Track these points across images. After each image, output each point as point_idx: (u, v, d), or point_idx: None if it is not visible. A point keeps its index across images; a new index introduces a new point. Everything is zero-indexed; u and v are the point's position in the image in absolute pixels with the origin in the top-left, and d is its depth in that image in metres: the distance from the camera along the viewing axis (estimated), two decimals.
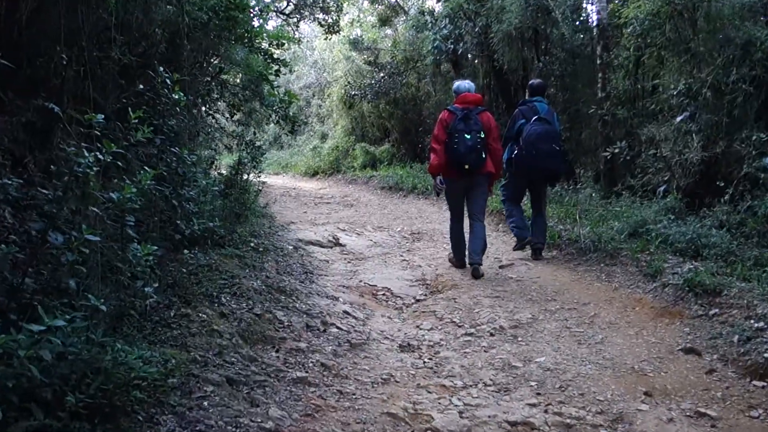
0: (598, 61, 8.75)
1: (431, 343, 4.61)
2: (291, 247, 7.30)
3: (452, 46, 12.08)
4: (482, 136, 6.04)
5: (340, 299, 5.50)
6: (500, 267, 6.49)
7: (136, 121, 3.72)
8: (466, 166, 6.02)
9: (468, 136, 5.98)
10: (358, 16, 17.72)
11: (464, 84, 6.50)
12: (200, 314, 4.18)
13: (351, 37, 16.63)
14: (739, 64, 6.90)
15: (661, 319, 4.67)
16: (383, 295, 5.91)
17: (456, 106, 6.26)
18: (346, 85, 17.04)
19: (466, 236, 6.51)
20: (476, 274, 6.11)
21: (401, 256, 7.52)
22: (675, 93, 7.19)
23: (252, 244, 6.71)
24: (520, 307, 5.21)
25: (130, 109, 3.76)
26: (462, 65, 13.66)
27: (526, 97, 7.01)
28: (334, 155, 18.05)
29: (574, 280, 5.86)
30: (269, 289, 5.16)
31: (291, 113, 6.68)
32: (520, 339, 4.56)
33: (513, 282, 5.91)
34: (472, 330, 4.78)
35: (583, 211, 7.67)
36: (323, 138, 20.37)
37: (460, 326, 4.91)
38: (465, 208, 6.54)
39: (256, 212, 8.99)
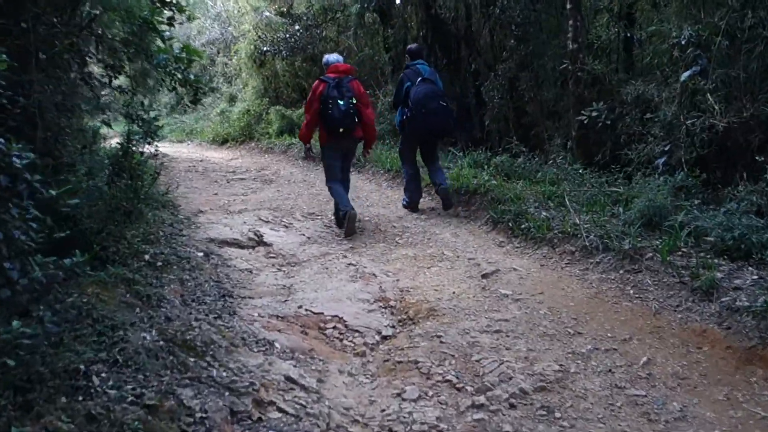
0: (569, 5, 7.23)
1: (426, 428, 3.02)
2: (201, 254, 5.53)
3: None
4: (354, 101, 6.44)
5: (277, 345, 3.82)
6: (483, 276, 4.94)
7: None
8: (341, 129, 6.39)
9: (341, 102, 6.36)
10: None
11: (333, 56, 6.92)
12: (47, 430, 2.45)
13: None
14: (756, 5, 5.56)
15: (751, 370, 3.24)
16: (335, 329, 4.25)
17: (329, 75, 6.57)
18: (255, 41, 14.90)
19: None
20: (352, 218, 6.48)
21: (345, 256, 5.85)
22: (679, 42, 5.75)
23: (147, 257, 4.94)
24: (536, 348, 3.68)
25: None
26: (391, 15, 11.89)
27: (407, 62, 7.45)
28: (245, 120, 15.92)
29: (592, 297, 4.38)
30: (170, 346, 3.40)
31: (192, 76, 4.83)
32: (557, 414, 3.03)
33: (510, 303, 4.37)
34: (481, 398, 3.21)
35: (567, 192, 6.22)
36: (232, 101, 18.14)
37: (459, 389, 3.33)
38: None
39: (154, 201, 7.12)
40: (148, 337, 3.44)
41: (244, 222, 6.90)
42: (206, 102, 19.44)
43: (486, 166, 7.95)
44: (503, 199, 6.52)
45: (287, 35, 13.86)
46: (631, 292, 4.33)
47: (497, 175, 7.56)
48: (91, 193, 5.79)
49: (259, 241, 6.27)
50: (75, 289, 3.70)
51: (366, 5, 10.86)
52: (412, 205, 7.41)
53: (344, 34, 14.11)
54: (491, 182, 7.12)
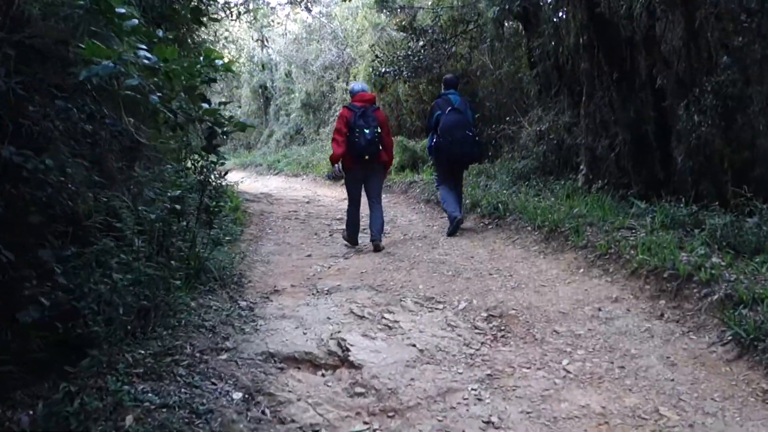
0: None
1: None
2: (239, 396, 3.36)
3: None
4: (379, 130, 6.79)
5: None
6: None
7: None
8: (366, 157, 6.74)
9: (367, 131, 6.68)
10: None
11: (358, 85, 7.40)
12: None
13: None
14: None
15: None
16: None
17: (354, 104, 6.93)
18: (373, 61, 12.87)
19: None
20: (377, 247, 6.94)
21: (479, 398, 3.44)
22: None
23: (129, 420, 2.85)
24: None
25: None
26: (538, 21, 9.40)
27: (442, 91, 7.83)
28: None
29: None
30: None
31: (206, 104, 2.65)
32: None
33: None
34: None
35: None
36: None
37: None
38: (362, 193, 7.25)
39: (211, 280, 5.10)
40: None
41: (328, 318, 4.65)
42: (324, 132, 17.79)
43: (695, 230, 5.28)
44: (748, 300, 3.86)
45: (410, 53, 11.69)
46: None
47: (715, 246, 4.88)
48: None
49: (343, 358, 3.99)
50: None
51: (507, 6, 8.43)
52: (455, 224, 7.49)
53: (477, 48, 11.76)
54: (714, 262, 4.45)
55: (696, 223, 5.43)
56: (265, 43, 23.34)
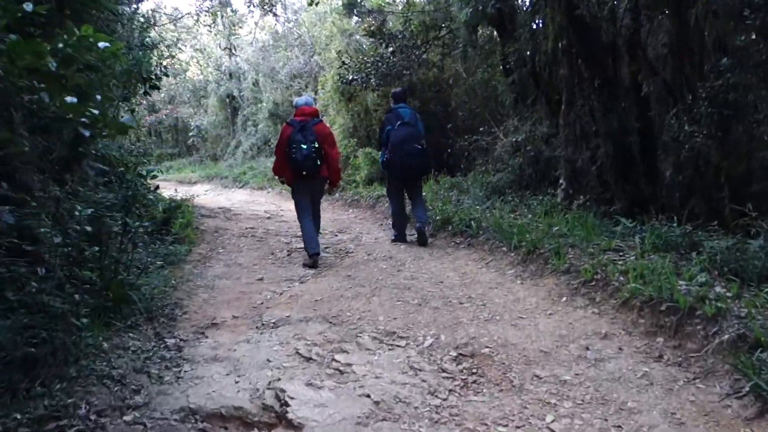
0: None
1: None
2: None
3: None
4: (316, 145, 6.70)
5: None
6: None
7: None
8: (304, 172, 6.71)
9: (304, 146, 6.64)
10: None
11: (302, 99, 7.22)
12: None
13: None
14: None
15: None
16: None
17: (295, 119, 6.88)
18: (340, 68, 12.19)
19: None
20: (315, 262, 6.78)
21: None
22: None
23: None
24: None
25: None
26: (514, 25, 8.81)
27: (391, 105, 7.80)
28: None
29: None
30: None
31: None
32: None
33: None
34: None
35: None
36: None
37: None
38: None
39: (135, 312, 4.34)
40: None
41: (268, 360, 3.93)
42: None
43: (691, 253, 4.67)
44: (767, 342, 3.23)
45: (378, 59, 11.03)
46: None
47: (716, 273, 4.27)
48: None
49: (281, 415, 3.27)
50: None
51: (481, 8, 7.81)
52: (400, 239, 7.74)
53: (450, 55, 11.15)
54: (718, 292, 3.84)
55: (692, 246, 4.82)
56: (233, 51, 22.60)
